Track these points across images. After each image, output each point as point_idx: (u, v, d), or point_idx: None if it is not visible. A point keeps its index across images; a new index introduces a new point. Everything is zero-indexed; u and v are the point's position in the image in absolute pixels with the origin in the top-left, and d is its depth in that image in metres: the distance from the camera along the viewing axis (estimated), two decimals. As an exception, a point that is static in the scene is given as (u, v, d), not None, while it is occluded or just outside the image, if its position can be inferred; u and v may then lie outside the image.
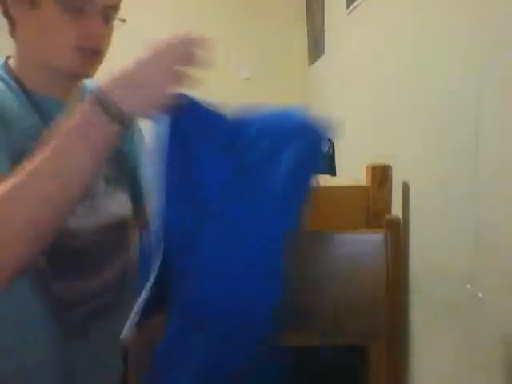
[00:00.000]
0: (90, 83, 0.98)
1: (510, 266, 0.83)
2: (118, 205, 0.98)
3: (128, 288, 0.99)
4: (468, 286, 0.95)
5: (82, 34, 0.86)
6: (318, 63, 2.76)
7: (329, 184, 1.91)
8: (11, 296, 0.84)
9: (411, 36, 1.28)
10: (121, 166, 1.00)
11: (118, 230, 0.97)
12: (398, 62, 1.38)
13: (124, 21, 0.92)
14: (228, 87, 3.06)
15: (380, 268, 0.89)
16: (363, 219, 1.35)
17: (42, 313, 0.89)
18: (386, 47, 1.50)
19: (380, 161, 1.37)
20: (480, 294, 0.91)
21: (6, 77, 0.89)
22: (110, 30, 0.91)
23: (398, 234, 0.88)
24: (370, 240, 0.92)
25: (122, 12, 0.92)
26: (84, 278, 0.92)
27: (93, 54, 0.89)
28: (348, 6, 1.95)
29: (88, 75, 0.92)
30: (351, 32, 1.99)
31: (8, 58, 0.92)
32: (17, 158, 0.75)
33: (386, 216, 0.94)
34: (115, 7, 0.90)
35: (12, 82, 0.89)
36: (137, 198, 1.04)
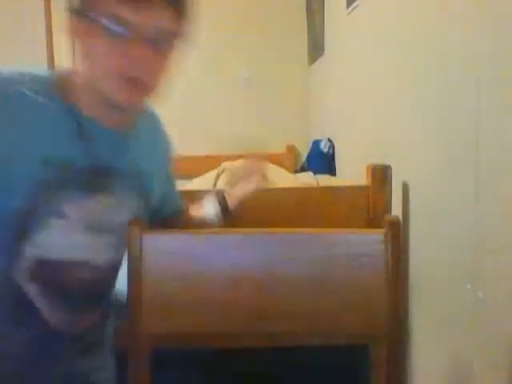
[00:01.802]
0: (145, 117, 0.94)
1: (511, 266, 0.83)
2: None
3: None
4: (468, 286, 0.95)
5: (122, 62, 0.79)
6: (317, 63, 2.76)
7: (329, 184, 1.91)
8: None
9: (411, 36, 1.28)
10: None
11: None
12: (398, 62, 1.38)
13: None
14: (228, 87, 3.06)
15: (380, 268, 0.89)
16: (363, 219, 1.34)
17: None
18: (386, 47, 1.50)
19: (380, 161, 1.37)
20: (480, 294, 0.91)
21: (56, 98, 0.84)
22: (163, 58, 0.82)
23: (397, 234, 0.87)
24: (370, 240, 0.91)
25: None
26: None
27: (136, 84, 0.81)
28: (348, 6, 1.95)
29: (133, 106, 0.85)
30: (351, 32, 1.99)
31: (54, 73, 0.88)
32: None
33: (386, 216, 0.94)
34: (171, 33, 0.81)
35: (61, 104, 0.84)
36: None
